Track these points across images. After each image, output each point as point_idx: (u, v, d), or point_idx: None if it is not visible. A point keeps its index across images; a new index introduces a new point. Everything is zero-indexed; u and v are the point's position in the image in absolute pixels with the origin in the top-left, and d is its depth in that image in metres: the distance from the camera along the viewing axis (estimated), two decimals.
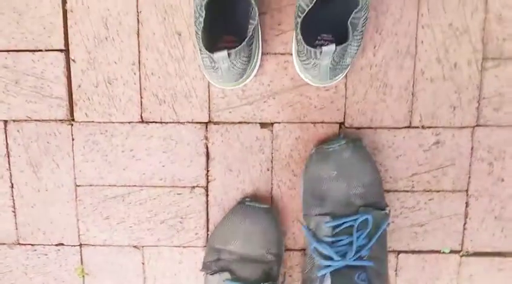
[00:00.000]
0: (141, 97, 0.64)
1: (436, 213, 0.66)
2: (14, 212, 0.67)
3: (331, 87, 0.63)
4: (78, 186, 0.67)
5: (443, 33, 0.62)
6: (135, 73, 0.63)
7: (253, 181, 0.66)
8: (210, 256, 0.61)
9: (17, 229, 0.68)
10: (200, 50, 0.54)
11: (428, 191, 0.66)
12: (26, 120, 0.65)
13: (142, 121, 0.65)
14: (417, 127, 0.64)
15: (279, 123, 0.64)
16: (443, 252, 0.68)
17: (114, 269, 0.68)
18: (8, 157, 0.66)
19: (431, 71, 0.63)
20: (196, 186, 0.66)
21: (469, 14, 0.61)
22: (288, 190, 0.66)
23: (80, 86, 0.64)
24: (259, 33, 0.60)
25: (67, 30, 0.63)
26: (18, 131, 0.65)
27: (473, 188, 0.66)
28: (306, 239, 0.64)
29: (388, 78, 0.63)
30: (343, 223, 0.57)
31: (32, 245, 0.68)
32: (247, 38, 0.52)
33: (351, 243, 0.57)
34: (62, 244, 0.68)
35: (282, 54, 0.63)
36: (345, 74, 0.61)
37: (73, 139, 0.65)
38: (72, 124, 0.65)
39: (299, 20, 0.52)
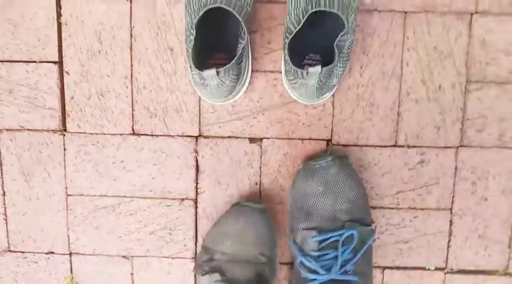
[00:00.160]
0: (133, 110, 0.65)
1: (421, 230, 0.68)
2: (5, 220, 0.68)
3: (319, 105, 0.65)
4: (69, 195, 0.68)
5: (428, 56, 0.63)
6: (127, 87, 0.65)
7: (242, 195, 0.67)
8: (203, 256, 0.61)
9: (8, 236, 0.69)
10: (190, 67, 0.55)
11: (413, 209, 0.67)
12: (18, 130, 0.66)
13: (133, 134, 0.66)
14: (402, 146, 0.66)
15: (268, 138, 0.66)
16: (428, 269, 0.69)
17: (104, 279, 0.69)
18: (1, 165, 0.67)
19: (416, 92, 0.64)
20: (186, 198, 0.67)
21: (453, 38, 0.63)
22: (275, 204, 0.67)
23: (72, 98, 0.65)
24: (249, 51, 0.61)
25: (61, 42, 0.64)
26: (11, 140, 0.66)
27: (457, 207, 0.67)
28: (292, 253, 0.65)
29: (375, 98, 0.64)
30: (329, 238, 0.58)
31: (22, 252, 0.69)
32: (237, 56, 0.53)
33: (336, 257, 0.58)
34: (52, 253, 0.69)
35: (271, 71, 0.64)
36: (331, 93, 0.62)
37: (65, 150, 0.66)
38: (64, 135, 0.66)
39: (287, 41, 0.53)
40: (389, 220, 0.67)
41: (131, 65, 0.64)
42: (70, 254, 0.69)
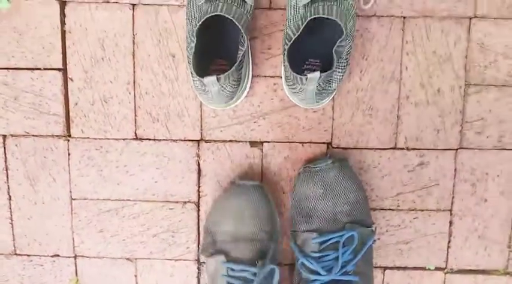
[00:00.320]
0: (136, 116, 0.66)
1: (421, 231, 0.69)
2: (11, 223, 0.70)
3: (319, 109, 0.66)
4: (74, 199, 0.69)
5: (427, 60, 0.64)
6: (130, 93, 0.66)
7: None
8: (207, 238, 0.62)
9: (14, 240, 0.70)
10: (191, 73, 0.56)
11: (413, 210, 0.68)
12: (24, 135, 0.67)
13: (136, 138, 0.67)
14: (402, 148, 0.66)
15: (269, 142, 0.67)
16: (428, 269, 0.70)
17: (108, 281, 0.71)
18: (6, 170, 0.68)
19: (416, 96, 0.65)
20: (188, 202, 0.68)
21: (452, 42, 0.64)
22: (275, 204, 0.68)
23: (76, 104, 0.66)
24: (250, 57, 0.62)
25: (65, 50, 0.65)
26: (16, 146, 0.67)
27: (457, 208, 0.68)
28: (294, 254, 0.66)
29: (374, 101, 0.65)
30: (329, 239, 0.59)
31: (28, 256, 0.70)
32: (237, 63, 0.54)
33: (336, 258, 0.59)
34: (58, 256, 0.70)
35: (271, 76, 0.65)
36: (331, 98, 0.63)
37: (69, 155, 0.67)
38: (68, 140, 0.67)
39: (286, 47, 0.54)
40: (389, 221, 0.68)
41: (134, 71, 0.65)
42: (75, 257, 0.70)
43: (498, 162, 0.67)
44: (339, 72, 0.56)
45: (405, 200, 0.68)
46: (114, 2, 0.64)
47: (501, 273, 0.70)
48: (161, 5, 0.64)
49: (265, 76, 0.65)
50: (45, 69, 0.65)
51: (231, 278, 0.58)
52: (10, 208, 0.69)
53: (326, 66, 0.61)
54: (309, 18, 0.51)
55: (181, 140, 0.67)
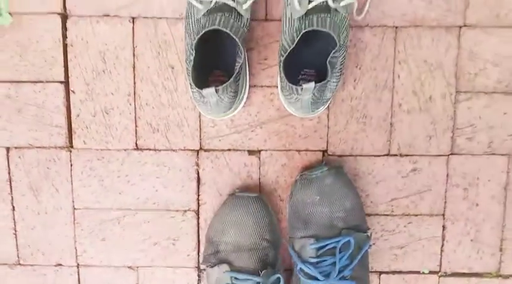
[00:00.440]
0: (136, 126, 0.68)
1: (415, 235, 0.70)
2: (15, 234, 0.71)
3: (315, 118, 0.67)
4: (76, 209, 0.70)
5: (418, 68, 0.66)
6: (130, 104, 0.67)
7: None
8: (209, 249, 0.64)
9: (17, 250, 0.71)
10: (190, 85, 0.58)
11: (407, 215, 0.70)
12: (27, 147, 0.68)
13: (137, 149, 0.69)
14: (395, 155, 0.68)
15: (266, 150, 0.68)
16: (423, 273, 0.71)
17: None
18: (10, 181, 0.69)
19: (408, 103, 0.67)
20: (188, 210, 0.70)
21: (443, 51, 0.66)
22: (274, 214, 0.69)
23: (78, 115, 0.68)
24: (246, 68, 0.64)
25: (67, 63, 0.67)
26: (19, 157, 0.69)
27: (450, 212, 0.70)
28: (292, 260, 0.67)
29: (368, 109, 0.67)
30: (326, 245, 0.61)
31: (31, 265, 0.72)
32: (234, 75, 0.56)
33: (334, 264, 0.60)
34: (61, 265, 0.72)
35: (268, 86, 0.67)
36: (326, 106, 0.65)
37: (71, 165, 0.69)
38: (71, 151, 0.69)
39: (282, 59, 0.56)
40: (384, 227, 0.70)
41: (134, 83, 0.67)
42: (78, 266, 0.72)
43: (489, 167, 0.69)
44: (333, 82, 0.58)
45: (399, 205, 0.69)
46: (114, 16, 0.65)
47: (493, 275, 0.71)
48: (160, 18, 0.65)
49: (262, 86, 0.67)
50: (47, 82, 0.67)
51: None
52: (14, 219, 0.70)
53: (321, 76, 0.63)
54: (303, 31, 0.53)
55: (181, 150, 0.68)
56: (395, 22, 0.65)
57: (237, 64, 0.57)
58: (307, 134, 0.68)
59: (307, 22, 0.54)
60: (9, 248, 0.71)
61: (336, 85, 0.59)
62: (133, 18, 0.66)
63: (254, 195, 0.64)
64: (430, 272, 0.71)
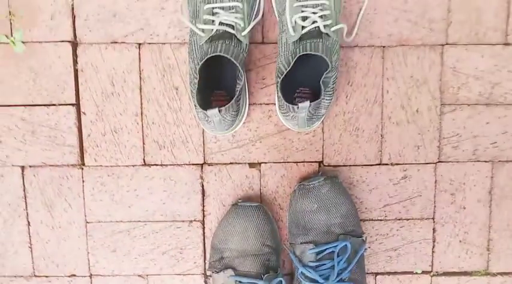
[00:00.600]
0: (144, 144, 0.72)
1: (407, 238, 0.75)
2: (30, 247, 0.75)
3: (310, 132, 0.72)
4: (88, 222, 0.74)
5: (405, 84, 0.71)
6: (138, 123, 0.72)
7: None
8: (214, 256, 0.68)
9: (33, 262, 0.75)
10: (195, 106, 0.62)
11: (399, 219, 0.74)
12: (41, 166, 0.73)
13: (144, 165, 0.73)
14: (387, 164, 0.73)
15: (266, 163, 0.73)
16: (416, 273, 0.75)
17: None
18: (25, 198, 0.74)
19: (397, 116, 0.72)
20: (194, 220, 0.74)
21: (427, 67, 0.71)
22: (275, 221, 0.74)
23: (89, 135, 0.72)
24: (246, 89, 0.69)
25: (78, 87, 0.71)
26: (34, 175, 0.73)
27: (439, 216, 0.74)
28: (293, 264, 0.72)
29: (360, 123, 0.72)
30: (325, 250, 0.64)
31: (46, 277, 0.75)
32: (236, 96, 0.60)
33: (332, 267, 0.64)
34: (74, 275, 0.75)
35: (266, 104, 0.71)
36: (321, 121, 0.70)
37: (83, 182, 0.73)
38: (82, 169, 0.73)
39: (279, 80, 0.61)
40: (378, 231, 0.74)
41: (141, 104, 0.71)
42: (90, 276, 0.75)
43: (474, 173, 0.73)
44: (326, 99, 0.63)
45: (392, 211, 0.74)
46: (121, 43, 0.70)
47: (482, 274, 0.76)
48: (164, 43, 0.70)
49: (261, 103, 0.71)
50: (59, 104, 0.71)
51: None
52: (29, 233, 0.74)
53: (315, 93, 0.67)
54: (298, 55, 0.58)
55: (186, 164, 0.73)
56: (382, 42, 0.70)
57: (237, 86, 0.61)
58: (303, 147, 0.73)
59: (301, 47, 0.59)
60: (25, 261, 0.75)
61: (329, 102, 0.64)
62: (139, 44, 0.70)
63: (256, 204, 0.68)
64: (423, 272, 0.75)
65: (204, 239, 0.74)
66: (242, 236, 0.66)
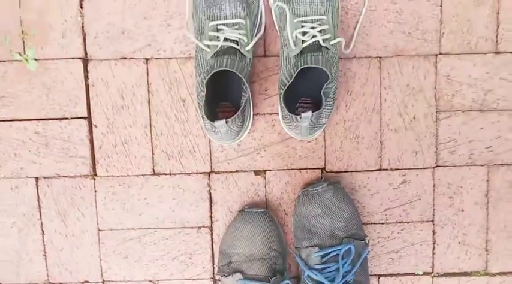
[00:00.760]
0: (153, 154, 0.75)
1: (408, 241, 0.77)
2: (44, 256, 0.77)
3: (313, 140, 0.75)
4: (101, 230, 0.77)
5: (402, 92, 0.74)
6: (147, 135, 0.75)
7: None
8: (223, 260, 0.70)
9: (47, 270, 0.77)
10: (203, 117, 0.65)
11: (400, 222, 0.77)
12: (54, 177, 0.76)
13: (154, 174, 0.76)
14: (387, 169, 0.76)
15: (270, 170, 0.76)
16: (418, 274, 0.77)
17: None
18: (39, 208, 0.76)
19: (395, 123, 0.75)
20: (202, 227, 0.77)
21: (422, 76, 0.74)
22: (280, 226, 0.76)
23: (101, 147, 0.75)
24: (250, 100, 0.72)
25: (89, 101, 0.74)
26: (48, 186, 0.76)
27: (438, 218, 0.77)
28: (299, 267, 0.74)
29: (360, 130, 0.75)
30: (329, 253, 0.66)
31: None
32: (241, 108, 0.63)
33: (337, 269, 0.66)
34: (87, 282, 0.78)
35: (269, 114, 0.74)
36: (322, 130, 0.73)
37: (95, 191, 0.76)
38: (94, 179, 0.76)
39: (282, 92, 0.64)
40: (380, 234, 0.77)
41: (150, 116, 0.74)
42: (103, 282, 0.78)
43: (471, 177, 0.76)
44: (327, 109, 0.66)
45: (392, 214, 0.77)
46: (130, 58, 0.73)
47: (481, 274, 0.78)
48: (171, 58, 0.73)
49: (264, 114, 0.74)
50: (72, 118, 0.74)
51: None
52: (43, 242, 0.77)
53: (316, 103, 0.70)
54: (299, 68, 0.61)
55: (194, 173, 0.76)
56: (378, 53, 0.73)
57: (243, 98, 0.64)
58: (306, 154, 0.75)
59: (302, 60, 0.62)
60: (39, 268, 0.77)
61: (330, 112, 0.67)
62: (147, 60, 0.73)
63: (261, 210, 0.70)
64: (424, 274, 0.77)
65: (212, 245, 0.76)
66: (249, 241, 0.68)
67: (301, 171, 0.75)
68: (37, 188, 0.75)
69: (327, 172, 0.75)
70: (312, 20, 0.63)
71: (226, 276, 0.68)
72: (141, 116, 0.74)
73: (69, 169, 0.75)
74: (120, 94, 0.74)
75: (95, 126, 0.74)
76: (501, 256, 0.77)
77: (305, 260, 0.68)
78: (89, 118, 0.74)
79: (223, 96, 0.71)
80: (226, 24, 0.63)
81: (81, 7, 0.72)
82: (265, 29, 0.71)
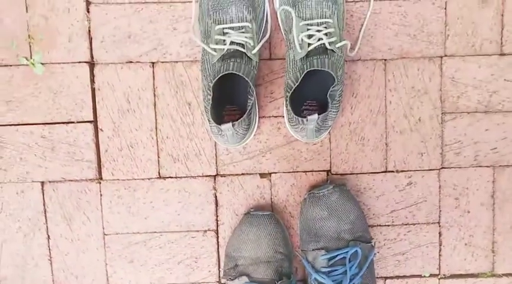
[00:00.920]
0: (159, 157, 0.76)
1: (415, 242, 0.77)
2: (50, 260, 0.77)
3: (318, 142, 0.75)
4: (106, 234, 0.77)
5: (407, 94, 0.75)
6: (152, 138, 0.75)
7: None
8: (229, 263, 0.70)
9: (52, 275, 0.77)
10: (209, 120, 0.66)
11: (406, 224, 0.77)
12: (60, 181, 0.76)
13: (160, 177, 0.76)
14: (392, 171, 0.76)
15: (276, 173, 0.76)
16: (424, 276, 0.78)
17: None
18: (45, 213, 0.76)
19: (400, 125, 0.75)
20: (208, 230, 0.77)
21: (427, 78, 0.74)
22: (286, 229, 0.77)
23: (106, 151, 0.75)
24: (256, 103, 0.72)
25: (95, 105, 0.75)
26: (53, 190, 0.76)
27: (444, 220, 0.77)
28: (306, 270, 0.74)
29: (365, 132, 0.75)
30: (336, 256, 0.66)
31: None
32: (247, 111, 0.64)
33: (345, 272, 0.65)
34: None
35: (275, 116, 0.75)
36: (328, 132, 0.73)
37: (101, 195, 0.76)
38: (100, 183, 0.76)
39: (288, 95, 0.64)
40: (386, 236, 0.77)
41: (156, 120, 0.75)
42: None
43: (476, 178, 0.76)
44: (333, 112, 0.66)
45: (398, 216, 0.77)
46: (136, 62, 0.74)
47: (488, 275, 0.78)
48: (177, 61, 0.74)
49: (270, 116, 0.75)
50: (78, 122, 0.75)
51: None
52: (49, 246, 0.77)
53: (322, 105, 0.71)
54: (305, 71, 0.61)
55: (200, 176, 0.76)
56: (384, 55, 0.74)
57: (249, 101, 0.65)
58: (312, 157, 0.76)
59: (308, 63, 0.62)
60: (45, 273, 0.77)
61: (336, 114, 0.67)
62: (153, 63, 0.74)
63: (267, 213, 0.70)
64: (431, 275, 0.78)
65: (218, 248, 0.77)
66: (255, 244, 0.68)
67: (307, 173, 0.75)
68: (43, 192, 0.75)
69: (332, 174, 0.75)
70: (317, 23, 0.63)
71: (232, 279, 0.68)
72: (146, 120, 0.74)
73: (74, 173, 0.75)
74: (126, 98, 0.74)
75: (101, 129, 0.74)
76: (507, 257, 0.77)
77: (312, 263, 0.68)
78: (95, 122, 0.74)
79: (229, 100, 0.71)
80: (232, 28, 0.63)
81: (88, 11, 0.72)
82: (270, 32, 0.72)
